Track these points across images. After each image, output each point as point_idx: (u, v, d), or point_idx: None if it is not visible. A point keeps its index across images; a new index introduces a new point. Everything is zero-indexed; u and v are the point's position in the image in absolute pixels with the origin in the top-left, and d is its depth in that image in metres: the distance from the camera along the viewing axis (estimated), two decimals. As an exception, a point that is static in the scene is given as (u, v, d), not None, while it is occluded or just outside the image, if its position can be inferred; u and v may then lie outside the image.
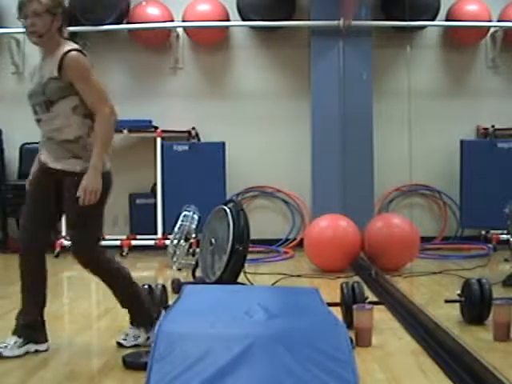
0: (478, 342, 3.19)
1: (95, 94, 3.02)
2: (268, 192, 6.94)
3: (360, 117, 6.34)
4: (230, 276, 4.17)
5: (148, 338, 3.15)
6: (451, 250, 6.28)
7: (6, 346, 3.00)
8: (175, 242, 5.52)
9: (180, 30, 6.81)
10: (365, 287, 3.82)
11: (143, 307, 3.24)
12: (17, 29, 5.95)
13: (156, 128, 6.49)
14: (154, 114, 6.59)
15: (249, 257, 4.42)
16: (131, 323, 3.24)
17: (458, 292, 3.53)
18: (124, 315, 3.66)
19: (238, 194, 6.81)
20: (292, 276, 5.12)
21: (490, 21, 6.50)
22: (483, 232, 6.45)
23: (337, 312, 3.18)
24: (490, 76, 6.77)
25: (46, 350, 3.11)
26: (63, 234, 6.52)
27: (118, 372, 2.82)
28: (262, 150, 6.84)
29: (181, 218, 5.56)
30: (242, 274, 4.28)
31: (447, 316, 3.51)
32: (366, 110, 6.35)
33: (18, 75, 6.86)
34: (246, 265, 4.33)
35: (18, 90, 6.52)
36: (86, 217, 3.04)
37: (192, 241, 5.57)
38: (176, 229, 5.53)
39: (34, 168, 3.19)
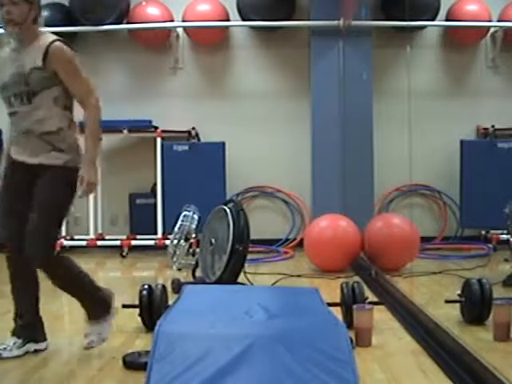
0: (477, 341, 3.19)
1: (83, 85, 2.99)
2: (268, 192, 6.94)
3: (360, 117, 6.34)
4: (230, 276, 4.17)
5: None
6: (451, 250, 6.28)
7: (5, 348, 3.00)
8: (175, 241, 5.51)
9: (180, 30, 6.82)
10: (365, 287, 3.82)
11: (96, 298, 3.14)
12: None
13: (156, 128, 6.49)
14: (153, 113, 6.59)
15: (249, 257, 4.42)
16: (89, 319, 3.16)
17: (458, 292, 3.53)
18: (124, 315, 3.67)
19: (238, 194, 6.81)
20: (292, 276, 5.12)
21: (490, 21, 6.50)
22: (483, 232, 6.45)
23: (337, 312, 3.18)
24: (490, 76, 6.77)
25: (45, 349, 3.11)
26: (63, 233, 6.55)
27: (117, 372, 2.82)
28: (262, 149, 6.84)
29: (181, 218, 5.56)
30: (242, 274, 4.28)
31: (447, 316, 3.50)
32: (365, 110, 6.35)
33: None
34: (246, 265, 4.33)
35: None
36: (54, 212, 2.95)
37: (192, 241, 5.57)
38: (176, 229, 5.53)
39: (4, 165, 3.08)
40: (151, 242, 6.37)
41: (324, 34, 6.51)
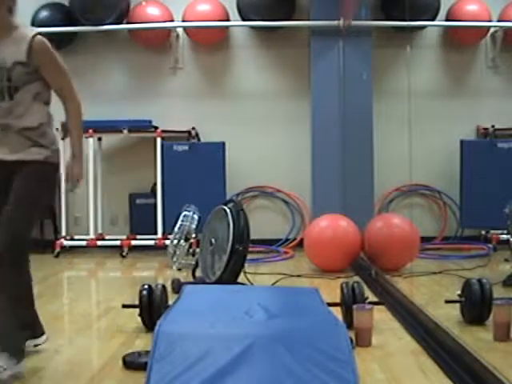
0: (477, 341, 3.19)
1: (66, 79, 2.94)
2: (268, 192, 6.94)
3: (360, 117, 6.34)
4: (230, 276, 4.17)
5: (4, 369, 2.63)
6: (451, 250, 6.28)
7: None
8: (175, 241, 5.51)
9: (180, 30, 6.82)
10: (365, 287, 3.82)
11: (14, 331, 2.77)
12: None
13: (156, 128, 6.49)
14: (153, 113, 6.59)
15: (249, 257, 4.42)
16: None
17: (458, 292, 3.52)
18: (124, 315, 3.67)
19: (238, 194, 6.81)
20: (292, 276, 5.12)
21: (490, 21, 6.50)
22: (483, 232, 6.45)
23: (337, 312, 3.18)
24: (490, 76, 6.77)
25: (44, 342, 3.07)
26: (63, 233, 6.55)
27: (117, 372, 2.82)
28: (262, 149, 6.84)
29: (181, 218, 5.56)
30: (242, 274, 4.28)
31: (447, 316, 3.50)
32: (366, 110, 6.35)
33: None
34: (246, 265, 4.33)
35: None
36: (30, 207, 2.83)
37: (192, 241, 5.57)
38: (176, 229, 5.53)
39: None
40: (151, 242, 6.37)
41: (324, 33, 6.51)
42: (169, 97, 6.89)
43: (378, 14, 6.59)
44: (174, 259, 5.49)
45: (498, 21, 6.54)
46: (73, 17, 6.55)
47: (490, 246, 5.99)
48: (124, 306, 3.61)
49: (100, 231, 6.69)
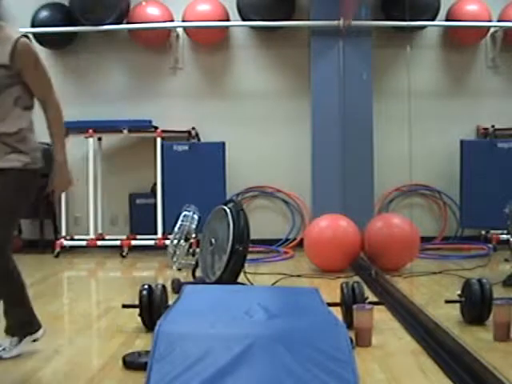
0: (477, 341, 3.19)
1: (47, 84, 2.85)
2: (268, 192, 6.94)
3: (360, 117, 6.34)
4: (230, 276, 4.17)
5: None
6: (451, 250, 6.28)
7: (4, 349, 2.96)
8: (175, 241, 5.51)
9: (180, 30, 6.82)
10: (365, 287, 3.82)
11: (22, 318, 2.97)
12: None
13: (156, 128, 6.49)
14: (153, 113, 6.59)
15: (249, 257, 4.42)
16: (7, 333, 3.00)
17: (458, 292, 3.52)
18: (124, 315, 3.67)
19: (238, 194, 6.81)
20: (292, 276, 5.12)
21: (490, 21, 6.50)
22: (483, 232, 6.45)
23: (337, 312, 3.18)
24: (490, 76, 6.77)
25: (42, 336, 3.05)
26: (63, 233, 6.55)
27: (117, 372, 2.82)
28: (261, 149, 6.84)
29: (181, 218, 5.56)
30: (242, 274, 4.28)
31: (447, 316, 3.50)
32: (365, 110, 6.35)
33: None
34: (246, 265, 4.33)
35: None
36: (7, 216, 2.78)
37: (192, 241, 5.57)
38: (176, 229, 5.53)
39: None
40: (151, 242, 6.37)
41: (324, 33, 6.51)
42: (169, 97, 6.89)
43: (378, 14, 6.59)
44: (174, 259, 5.49)
45: (498, 21, 6.53)
46: (73, 17, 6.55)
47: (490, 245, 5.98)
48: (124, 306, 3.61)
49: (100, 231, 6.69)
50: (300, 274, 5.21)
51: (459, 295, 3.51)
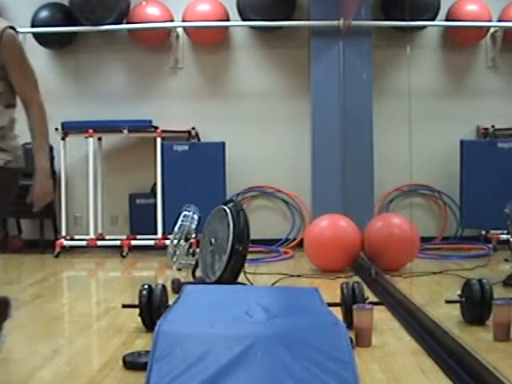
0: (477, 341, 3.19)
1: (31, 80, 2.62)
2: (268, 192, 6.94)
3: (360, 117, 6.34)
4: (230, 276, 4.17)
5: None
6: (451, 250, 6.28)
7: None
8: (175, 241, 5.52)
9: (180, 30, 6.81)
10: (365, 287, 3.82)
11: None
12: None
13: (156, 128, 6.49)
14: (153, 113, 6.59)
15: (249, 257, 4.42)
16: None
17: (459, 292, 3.52)
18: (124, 315, 3.67)
19: (238, 194, 6.81)
20: (292, 276, 5.12)
21: (490, 21, 6.50)
22: (483, 232, 6.44)
23: (337, 312, 3.18)
24: (490, 76, 6.77)
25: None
26: (63, 233, 6.55)
27: (117, 372, 2.82)
28: (261, 149, 6.84)
29: (181, 218, 5.56)
30: (242, 274, 4.28)
31: (447, 316, 3.50)
32: (365, 110, 6.35)
33: None
34: (246, 265, 4.33)
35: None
36: None
37: (192, 241, 5.57)
38: (176, 229, 5.53)
39: None
40: (151, 242, 6.37)
41: (324, 33, 6.51)
42: (169, 97, 6.89)
43: (378, 14, 6.59)
44: (174, 259, 5.49)
45: (498, 21, 6.53)
46: (73, 17, 6.55)
47: (490, 245, 5.98)
48: (124, 306, 3.61)
49: (100, 231, 6.69)
50: (300, 274, 5.21)
51: (459, 295, 3.51)
